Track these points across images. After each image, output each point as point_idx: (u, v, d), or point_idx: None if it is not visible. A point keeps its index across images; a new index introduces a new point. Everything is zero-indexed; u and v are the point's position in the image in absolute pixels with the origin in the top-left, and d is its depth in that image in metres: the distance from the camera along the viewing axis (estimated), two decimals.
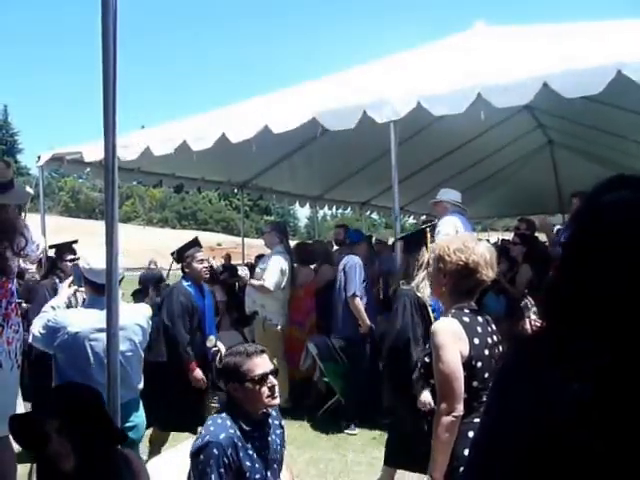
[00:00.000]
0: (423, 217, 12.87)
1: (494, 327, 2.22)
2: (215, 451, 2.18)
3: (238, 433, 2.28)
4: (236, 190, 9.23)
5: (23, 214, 3.43)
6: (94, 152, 5.73)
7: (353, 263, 5.21)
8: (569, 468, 0.75)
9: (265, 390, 2.36)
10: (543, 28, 6.80)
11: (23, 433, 1.89)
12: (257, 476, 2.29)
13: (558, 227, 5.99)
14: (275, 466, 2.40)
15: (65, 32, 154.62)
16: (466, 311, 2.12)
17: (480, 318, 2.14)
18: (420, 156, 7.78)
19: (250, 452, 2.29)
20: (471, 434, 2.01)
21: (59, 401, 1.90)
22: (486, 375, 2.06)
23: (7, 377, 2.94)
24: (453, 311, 2.12)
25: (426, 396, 2.56)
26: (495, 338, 2.16)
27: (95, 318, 2.99)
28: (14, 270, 3.06)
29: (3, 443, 2.91)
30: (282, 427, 2.55)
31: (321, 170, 8.39)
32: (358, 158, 8.02)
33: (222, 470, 2.18)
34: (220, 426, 2.29)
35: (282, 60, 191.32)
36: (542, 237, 6.05)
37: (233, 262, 9.76)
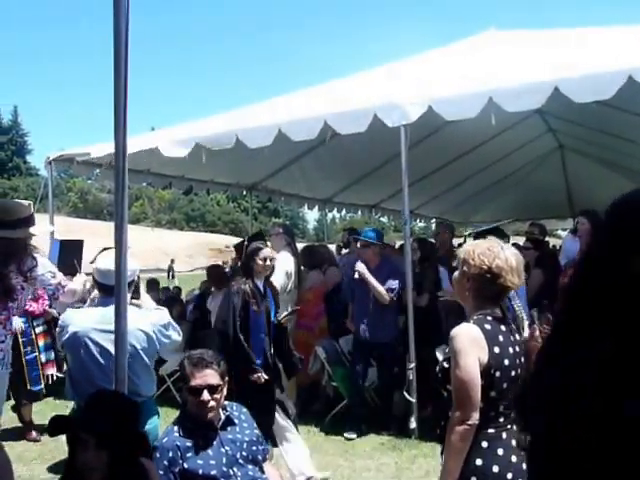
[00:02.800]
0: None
1: (518, 337, 2.17)
2: (157, 454, 2.35)
3: (185, 436, 2.42)
4: (245, 192, 9.23)
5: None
6: (104, 153, 5.75)
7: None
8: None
9: (196, 402, 2.46)
10: (554, 33, 6.77)
11: (60, 433, 1.91)
12: (213, 472, 2.40)
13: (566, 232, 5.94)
14: (242, 462, 2.50)
15: (75, 34, 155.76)
16: (489, 318, 2.06)
17: (503, 327, 2.09)
18: (430, 160, 7.74)
19: (201, 451, 2.41)
20: (485, 444, 1.98)
21: (105, 414, 1.91)
22: (504, 385, 2.01)
23: None
24: (475, 317, 2.06)
25: None
26: (518, 349, 2.11)
27: (94, 317, 3.05)
28: (16, 291, 3.11)
29: None
30: (253, 424, 2.68)
31: (331, 173, 8.37)
32: (368, 161, 8.00)
33: (161, 472, 2.32)
34: (166, 431, 2.49)
35: (293, 64, 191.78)
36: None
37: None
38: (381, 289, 4.99)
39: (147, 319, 3.07)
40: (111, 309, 3.02)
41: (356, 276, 5.07)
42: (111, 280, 2.98)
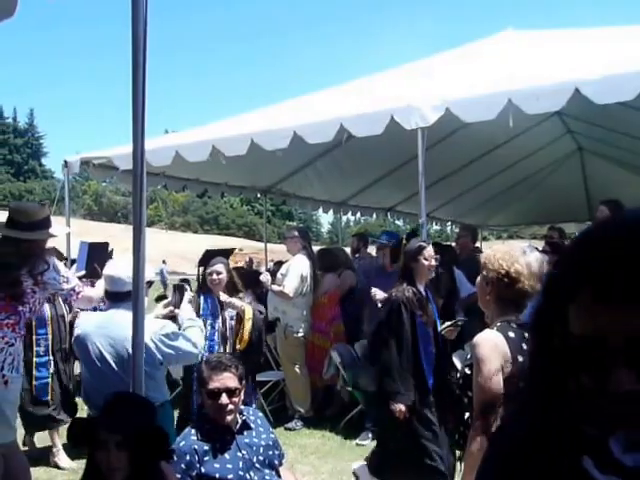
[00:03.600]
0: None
1: None
2: (174, 458, 2.33)
3: (203, 439, 2.43)
4: (259, 195, 9.23)
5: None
6: (122, 157, 5.79)
7: None
8: None
9: (215, 406, 2.46)
10: (574, 33, 6.69)
11: (82, 435, 1.92)
12: (230, 476, 2.40)
13: None
14: (258, 466, 2.49)
15: (91, 38, 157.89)
16: (513, 325, 2.01)
17: (527, 334, 2.05)
18: (446, 162, 7.67)
19: (218, 455, 2.42)
20: None
21: (125, 415, 1.92)
22: None
23: None
24: (499, 324, 2.02)
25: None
26: None
27: (94, 321, 3.08)
28: (26, 294, 3.10)
29: (12, 449, 2.95)
30: (269, 429, 2.68)
31: (346, 175, 8.33)
32: (383, 164, 7.95)
33: (178, 475, 2.33)
34: (183, 435, 2.50)
35: (306, 68, 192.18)
36: None
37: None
38: None
39: (145, 327, 2.99)
40: (111, 313, 3.05)
41: (379, 305, 5.03)
42: (117, 287, 3.02)
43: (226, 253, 4.47)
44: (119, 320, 2.96)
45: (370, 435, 4.94)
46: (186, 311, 3.43)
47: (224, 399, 2.45)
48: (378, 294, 4.79)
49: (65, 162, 6.38)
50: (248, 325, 3.94)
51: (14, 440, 3.11)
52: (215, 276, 4.03)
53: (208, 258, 4.13)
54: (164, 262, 29.39)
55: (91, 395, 3.06)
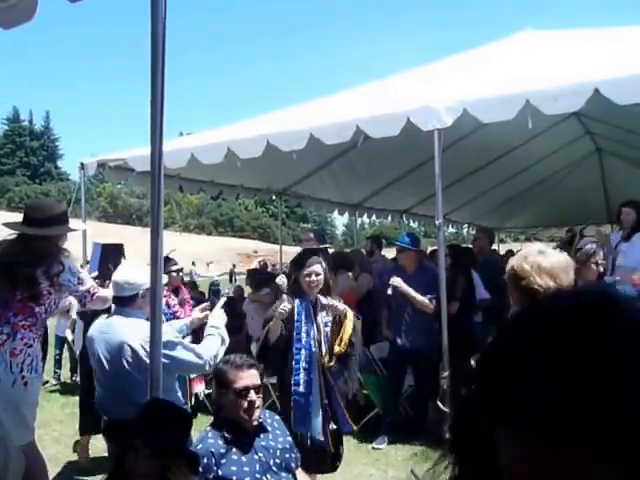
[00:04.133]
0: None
1: None
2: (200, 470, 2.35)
3: (220, 442, 2.41)
4: (274, 197, 9.23)
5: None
6: (137, 159, 5.82)
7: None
8: None
9: (244, 404, 2.46)
10: (592, 32, 6.60)
11: (116, 438, 1.93)
12: (246, 479, 2.39)
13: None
14: (275, 469, 2.49)
15: (106, 39, 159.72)
16: None
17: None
18: (462, 164, 7.62)
19: (235, 457, 2.40)
20: None
21: (162, 426, 1.93)
22: None
23: (8, 392, 2.95)
24: None
25: None
26: None
27: (98, 325, 3.09)
28: (43, 295, 3.11)
29: (30, 450, 2.96)
30: (286, 432, 2.67)
31: (361, 177, 8.31)
32: (399, 165, 7.92)
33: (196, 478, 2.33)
34: (201, 438, 2.48)
35: (320, 70, 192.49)
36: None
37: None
38: (422, 299, 4.89)
39: (137, 333, 2.86)
40: (113, 318, 3.05)
41: (389, 291, 4.99)
42: (118, 291, 3.03)
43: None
44: (117, 325, 2.97)
45: (386, 439, 4.90)
46: (215, 318, 3.27)
47: (253, 396, 2.48)
48: (396, 282, 4.88)
49: (81, 164, 6.43)
50: (349, 327, 3.62)
51: (32, 440, 3.12)
52: (314, 277, 3.55)
53: (305, 258, 3.69)
54: (193, 264, 29.47)
55: (98, 399, 3.07)
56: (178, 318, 4.61)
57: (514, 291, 2.10)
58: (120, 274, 3.07)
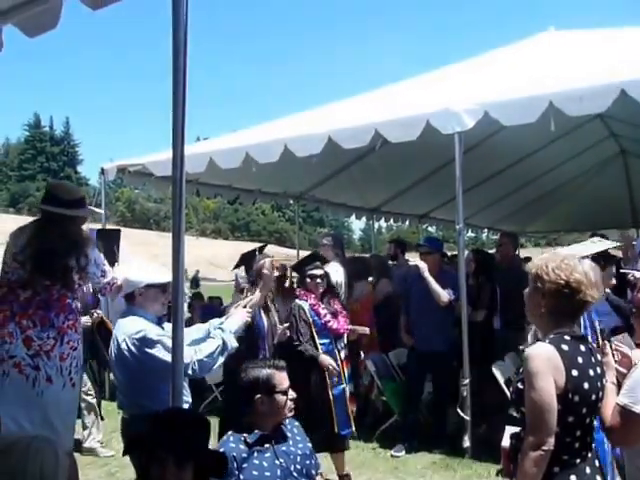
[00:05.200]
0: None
1: (599, 357, 2.03)
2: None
3: (242, 447, 2.41)
4: (291, 201, 9.22)
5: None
6: (156, 164, 5.85)
7: None
8: None
9: (289, 402, 2.53)
10: (617, 32, 6.48)
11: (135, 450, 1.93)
12: None
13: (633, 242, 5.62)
14: (295, 474, 2.48)
15: (126, 45, 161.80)
16: (567, 338, 1.92)
17: (583, 347, 1.94)
18: (482, 167, 7.53)
19: (257, 462, 2.40)
20: (557, 469, 1.86)
21: (180, 432, 1.91)
22: (584, 410, 1.88)
23: (59, 394, 2.95)
24: (552, 336, 1.93)
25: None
26: (599, 370, 1.96)
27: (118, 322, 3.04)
28: (75, 286, 3.09)
29: (71, 454, 2.94)
30: (306, 438, 2.65)
31: (379, 181, 8.26)
32: (417, 170, 7.86)
33: None
34: (223, 442, 2.49)
35: (336, 73, 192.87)
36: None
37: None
38: (440, 290, 4.80)
39: (123, 329, 2.85)
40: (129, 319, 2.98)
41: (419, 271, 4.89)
42: (124, 290, 2.99)
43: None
44: (118, 322, 2.97)
45: (405, 447, 4.83)
46: (230, 319, 3.23)
47: (293, 392, 2.56)
48: (421, 265, 4.83)
49: (102, 169, 6.50)
50: None
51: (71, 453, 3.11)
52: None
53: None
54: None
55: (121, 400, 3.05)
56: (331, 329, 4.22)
57: (559, 305, 1.95)
58: (121, 272, 3.08)
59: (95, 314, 4.49)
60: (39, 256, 2.94)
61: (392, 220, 10.58)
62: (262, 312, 3.91)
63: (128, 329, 2.79)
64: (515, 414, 1.97)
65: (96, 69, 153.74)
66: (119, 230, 4.51)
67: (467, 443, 4.59)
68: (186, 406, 2.88)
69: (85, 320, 4.07)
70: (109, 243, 3.97)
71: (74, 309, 3.11)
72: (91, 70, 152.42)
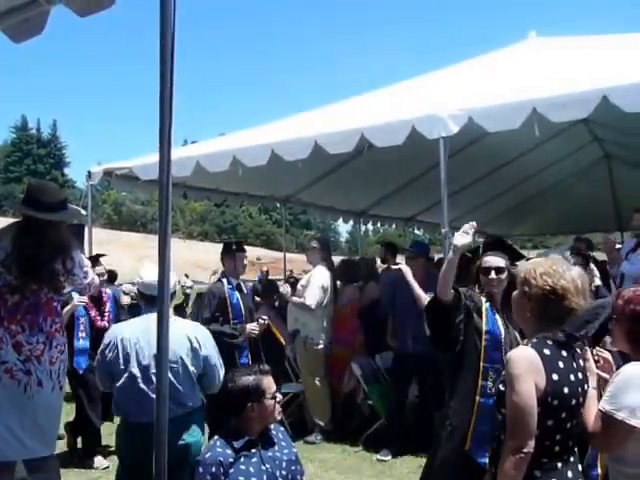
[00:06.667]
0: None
1: (582, 363, 2.04)
2: (200, 469, 2.42)
3: (228, 451, 2.44)
4: (278, 204, 9.22)
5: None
6: (143, 168, 5.81)
7: None
8: None
9: (277, 405, 2.58)
10: (599, 39, 6.58)
11: None
12: None
13: (618, 246, 5.69)
14: None
15: (114, 49, 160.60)
16: (549, 342, 1.94)
17: (565, 352, 1.97)
18: (468, 171, 7.58)
19: (243, 468, 2.42)
20: (538, 473, 1.88)
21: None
22: (563, 415, 1.90)
23: (48, 397, 2.95)
24: (534, 340, 1.95)
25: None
26: (581, 375, 1.98)
27: (138, 327, 3.00)
28: (63, 289, 3.07)
29: (48, 464, 2.92)
30: (291, 444, 2.69)
31: (366, 185, 8.28)
32: (404, 173, 7.89)
33: None
34: (209, 447, 2.53)
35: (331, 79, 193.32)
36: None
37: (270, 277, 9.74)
38: (423, 294, 4.81)
39: (189, 328, 3.05)
40: (151, 316, 2.94)
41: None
42: (152, 291, 2.96)
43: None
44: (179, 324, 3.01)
45: (391, 451, 4.84)
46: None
47: (279, 396, 2.62)
48: (404, 269, 4.63)
49: (89, 173, 6.45)
50: None
51: (53, 457, 3.08)
52: (493, 275, 2.92)
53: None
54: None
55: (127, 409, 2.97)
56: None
57: (544, 310, 1.97)
58: (150, 275, 2.97)
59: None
60: (26, 261, 2.90)
61: (379, 223, 10.63)
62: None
63: (193, 330, 3.01)
64: (498, 416, 1.99)
65: (84, 72, 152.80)
66: (83, 226, 4.44)
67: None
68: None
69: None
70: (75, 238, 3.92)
71: (59, 312, 3.12)
72: (79, 73, 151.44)
